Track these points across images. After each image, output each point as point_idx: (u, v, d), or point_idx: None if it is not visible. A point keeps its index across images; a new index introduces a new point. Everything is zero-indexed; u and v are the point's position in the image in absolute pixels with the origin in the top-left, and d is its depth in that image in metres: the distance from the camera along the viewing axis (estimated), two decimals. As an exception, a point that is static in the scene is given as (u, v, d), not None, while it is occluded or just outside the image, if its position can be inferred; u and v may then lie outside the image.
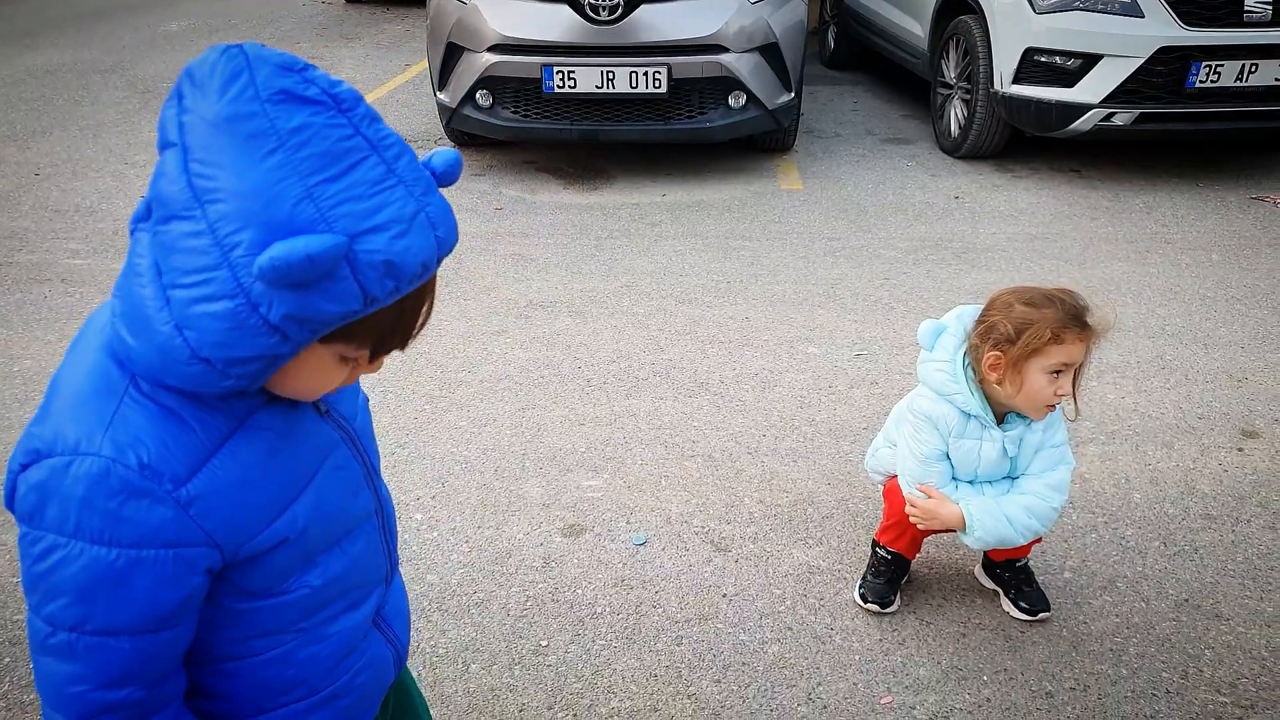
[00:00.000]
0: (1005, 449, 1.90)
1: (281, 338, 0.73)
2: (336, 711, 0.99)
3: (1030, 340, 1.76)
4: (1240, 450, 2.69)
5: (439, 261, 0.78)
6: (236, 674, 0.91)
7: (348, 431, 0.95)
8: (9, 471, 0.81)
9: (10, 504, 0.81)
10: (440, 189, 0.80)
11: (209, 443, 0.80)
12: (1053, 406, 1.83)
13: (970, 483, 1.97)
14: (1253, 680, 1.94)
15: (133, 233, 0.78)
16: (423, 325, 0.83)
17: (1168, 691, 1.92)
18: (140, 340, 0.76)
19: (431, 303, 0.82)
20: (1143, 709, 1.88)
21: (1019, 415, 1.89)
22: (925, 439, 1.92)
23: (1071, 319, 1.76)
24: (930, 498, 1.94)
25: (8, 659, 1.98)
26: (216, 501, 0.80)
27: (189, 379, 0.76)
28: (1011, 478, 1.97)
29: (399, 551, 1.14)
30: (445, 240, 0.77)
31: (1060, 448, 1.92)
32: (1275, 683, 1.94)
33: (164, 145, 0.74)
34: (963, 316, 1.90)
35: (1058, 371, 1.78)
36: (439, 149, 0.83)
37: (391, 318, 0.77)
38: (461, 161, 0.83)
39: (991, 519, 1.89)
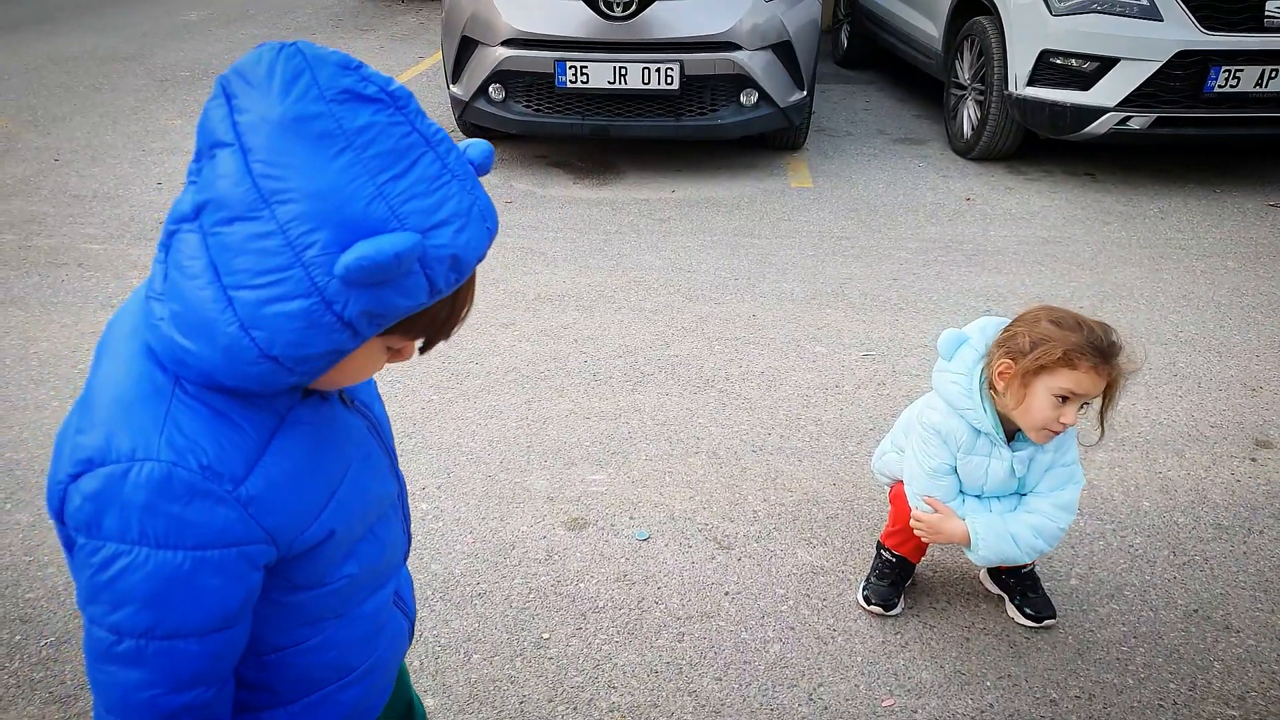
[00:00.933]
0: (1013, 468, 1.87)
1: (352, 334, 0.75)
2: (368, 687, 1.02)
3: (1041, 355, 1.72)
4: (1253, 460, 2.66)
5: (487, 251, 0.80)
6: (279, 664, 0.93)
7: (371, 420, 0.97)
8: (56, 483, 0.81)
9: (59, 515, 0.81)
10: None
11: (259, 441, 0.81)
12: (1053, 433, 1.78)
13: (978, 497, 1.94)
14: (1262, 694, 1.92)
15: (174, 234, 0.76)
16: (467, 315, 0.84)
17: (1175, 703, 1.89)
18: (200, 342, 0.75)
19: (473, 292, 0.84)
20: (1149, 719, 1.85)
21: None
22: (934, 452, 1.89)
23: (1092, 348, 1.70)
24: (936, 511, 1.92)
25: (19, 636, 1.98)
26: (272, 498, 0.81)
27: (252, 378, 0.77)
28: (1020, 494, 1.94)
29: None
30: (494, 232, 0.80)
31: (1071, 466, 1.89)
32: (1284, 695, 1.91)
33: (214, 145, 0.73)
34: (985, 330, 1.86)
35: (1065, 397, 1.73)
36: (473, 141, 0.82)
37: (446, 309, 0.80)
38: (494, 153, 0.83)
39: (996, 537, 1.86)
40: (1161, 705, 1.89)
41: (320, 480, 0.87)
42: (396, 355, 0.85)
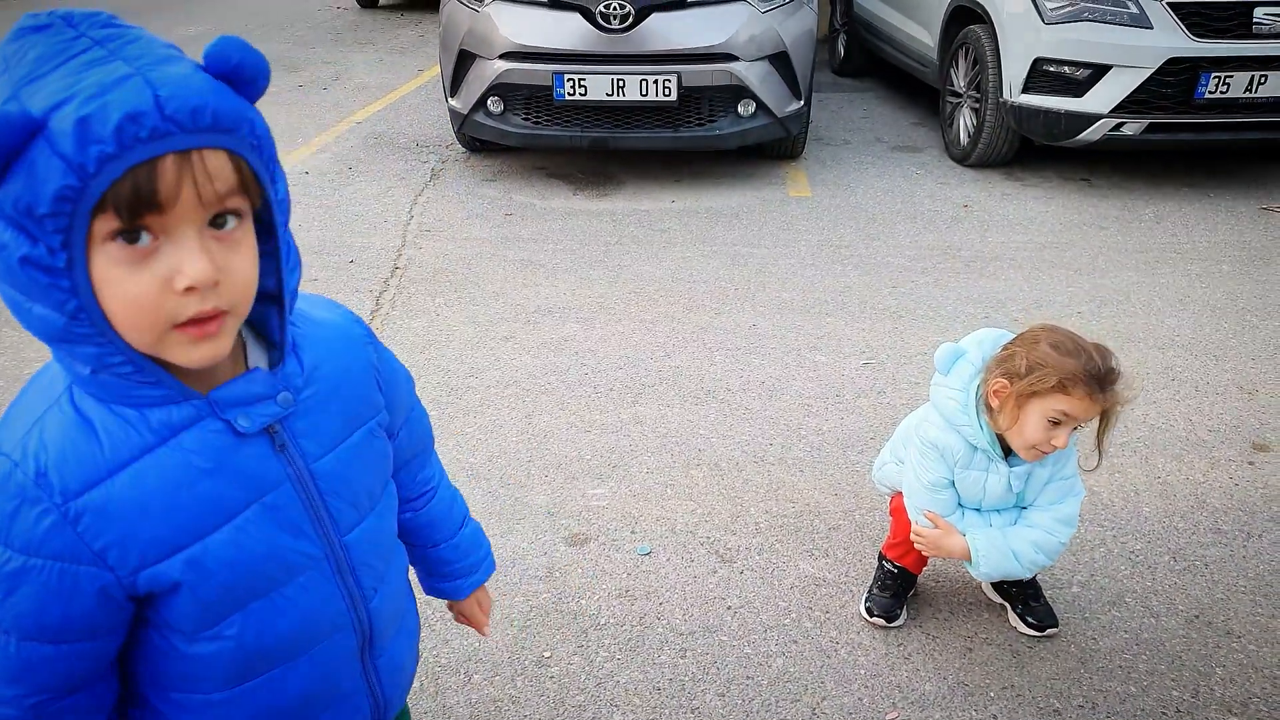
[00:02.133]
0: (1010, 484, 1.88)
1: (30, 238, 0.69)
2: None
3: (1035, 382, 1.73)
4: (1251, 464, 2.67)
5: (178, 123, 0.69)
6: (185, 706, 0.89)
7: (301, 471, 0.88)
8: None
9: None
10: (240, 87, 0.75)
11: (114, 460, 0.78)
12: (1044, 453, 1.79)
13: (977, 510, 1.95)
14: (1264, 700, 1.92)
15: None
16: (207, 199, 0.73)
17: (1178, 710, 1.90)
18: (30, 328, 0.75)
19: (206, 178, 0.72)
20: (1151, 727, 1.86)
21: None
22: (931, 466, 1.90)
23: (1089, 376, 1.70)
24: (936, 527, 1.92)
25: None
26: (108, 522, 0.77)
27: (62, 343, 0.74)
28: (1020, 507, 1.95)
29: (403, 605, 1.09)
30: (171, 99, 0.69)
31: (1070, 479, 1.90)
32: (1286, 701, 1.92)
33: None
34: (983, 344, 1.87)
35: (1057, 421, 1.75)
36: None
37: (128, 188, 0.69)
38: (245, 48, 0.75)
39: (997, 554, 1.87)
40: (1164, 713, 1.89)
41: (183, 517, 0.80)
42: (166, 274, 0.73)
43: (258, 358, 0.87)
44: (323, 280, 3.77)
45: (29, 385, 0.83)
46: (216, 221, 0.75)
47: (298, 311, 0.91)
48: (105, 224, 0.70)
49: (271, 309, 0.86)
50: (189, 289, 0.73)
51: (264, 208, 0.79)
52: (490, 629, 1.30)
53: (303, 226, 4.27)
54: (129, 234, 0.71)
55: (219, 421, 0.82)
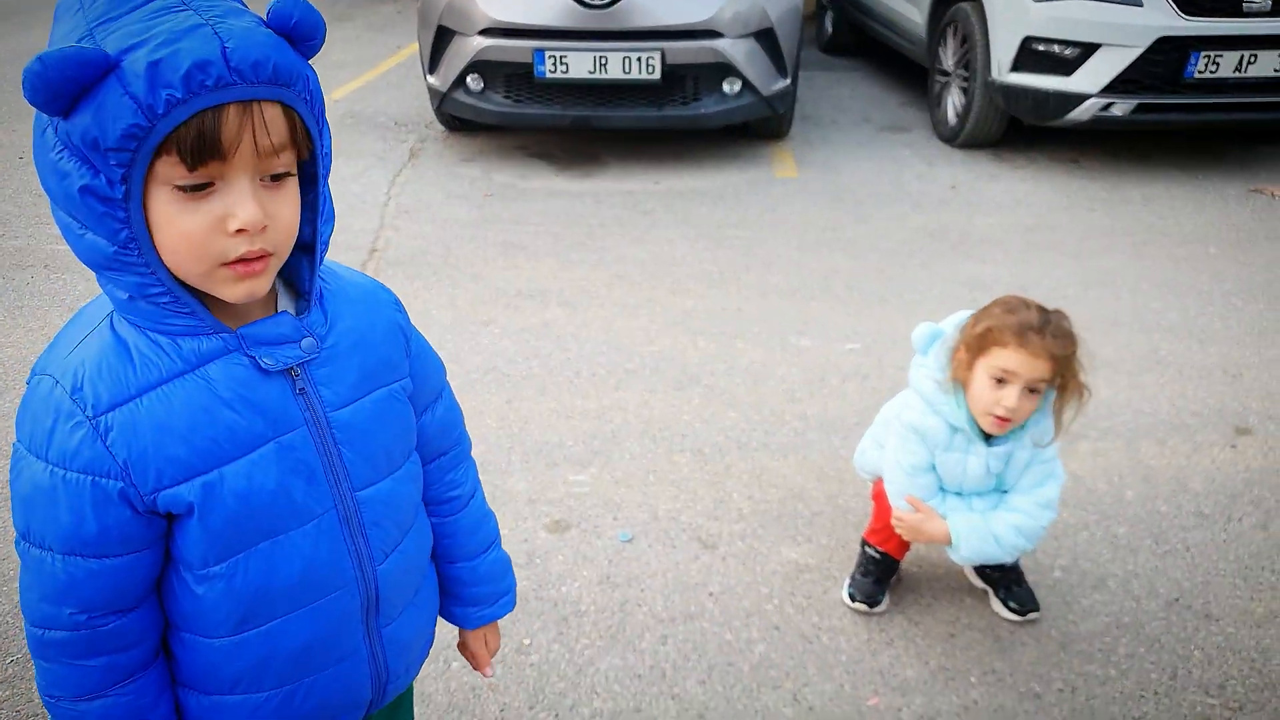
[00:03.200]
0: (989, 465, 1.87)
1: (92, 169, 0.74)
2: (291, 714, 0.98)
3: (978, 338, 1.75)
4: (1234, 447, 2.67)
5: (240, 74, 0.74)
6: (193, 648, 0.93)
7: (319, 417, 0.90)
8: None
9: None
10: (299, 44, 0.80)
11: (144, 380, 0.83)
12: (1001, 421, 1.77)
13: (958, 494, 1.94)
14: (1241, 682, 1.93)
15: None
16: (268, 153, 0.78)
17: (1156, 693, 1.90)
18: (79, 253, 0.81)
19: (264, 130, 0.77)
20: (1131, 710, 1.86)
21: (1011, 431, 1.85)
22: (911, 449, 1.88)
23: (1027, 328, 1.71)
24: (917, 511, 1.91)
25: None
26: (134, 437, 0.82)
27: (110, 271, 0.80)
28: (1001, 490, 1.94)
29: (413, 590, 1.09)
30: (236, 51, 0.74)
31: (1050, 463, 1.89)
32: (1265, 684, 1.92)
33: None
34: (961, 324, 1.86)
35: (1001, 379, 1.74)
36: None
37: (194, 132, 0.74)
38: (305, 5, 0.80)
39: (978, 538, 1.86)
40: (1143, 695, 1.89)
41: (201, 442, 0.84)
42: (213, 206, 0.78)
43: (285, 304, 0.91)
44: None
45: (76, 316, 0.89)
46: (273, 175, 0.80)
47: (328, 269, 0.96)
48: (168, 166, 0.75)
49: (303, 258, 0.90)
50: (239, 231, 0.78)
51: (309, 160, 0.84)
52: (493, 671, 1.26)
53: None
54: (192, 184, 0.77)
55: (245, 357, 0.86)
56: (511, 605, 1.22)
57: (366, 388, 0.95)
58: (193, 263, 0.80)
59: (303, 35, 0.79)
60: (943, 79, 5.26)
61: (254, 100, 0.76)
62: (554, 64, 4.42)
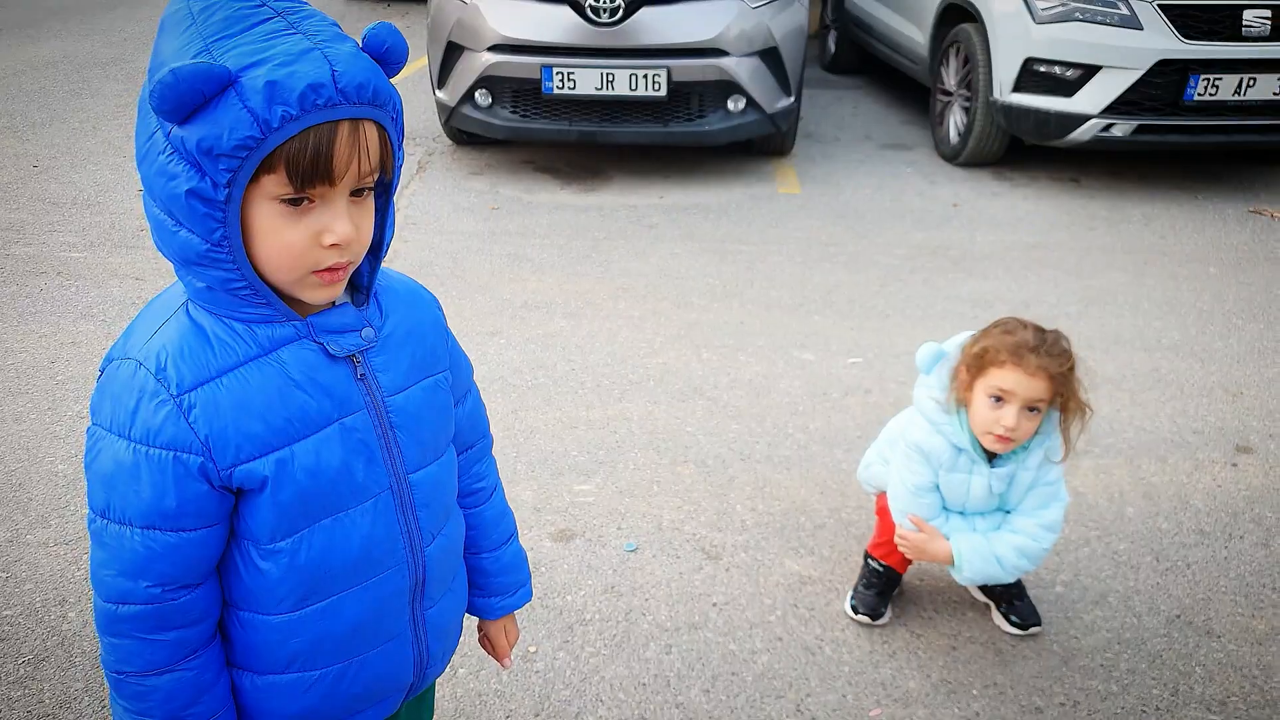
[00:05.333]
0: (992, 486, 1.88)
1: (200, 173, 0.80)
2: (340, 695, 1.02)
3: (976, 358, 1.78)
4: (1234, 465, 2.69)
5: (346, 96, 0.81)
6: (251, 626, 0.97)
7: (377, 401, 0.97)
8: None
9: None
10: (386, 67, 0.87)
11: (223, 362, 0.88)
12: (1002, 440, 1.79)
13: (961, 514, 1.96)
14: (1243, 699, 1.94)
15: None
16: (366, 173, 0.86)
17: (1158, 709, 1.91)
18: (163, 245, 0.87)
19: (366, 151, 0.85)
20: (1132, 726, 1.87)
21: (1013, 452, 1.87)
22: (916, 470, 1.90)
23: (1024, 348, 1.73)
24: (921, 530, 1.93)
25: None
26: (215, 415, 0.88)
27: (200, 267, 0.85)
28: (1004, 510, 1.96)
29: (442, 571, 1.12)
30: (344, 75, 0.81)
31: (1054, 485, 1.90)
32: (1266, 701, 1.93)
33: None
34: (963, 345, 1.88)
35: (999, 398, 1.76)
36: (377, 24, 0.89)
37: (305, 149, 0.81)
38: (395, 33, 0.88)
39: (980, 559, 1.88)
40: (1144, 711, 1.90)
41: (277, 420, 0.90)
42: (312, 221, 0.84)
43: (343, 298, 0.97)
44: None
45: (149, 305, 0.94)
46: (356, 191, 0.87)
47: (380, 269, 1.02)
48: (274, 183, 0.82)
49: (366, 258, 0.96)
50: (333, 245, 0.86)
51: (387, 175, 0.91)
52: (511, 662, 1.32)
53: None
54: (295, 199, 0.83)
55: (314, 344, 0.92)
56: (529, 596, 1.28)
57: (417, 376, 1.01)
58: (287, 270, 0.87)
59: (392, 60, 0.87)
60: (945, 98, 5.30)
61: (360, 119, 0.83)
62: (561, 80, 4.47)
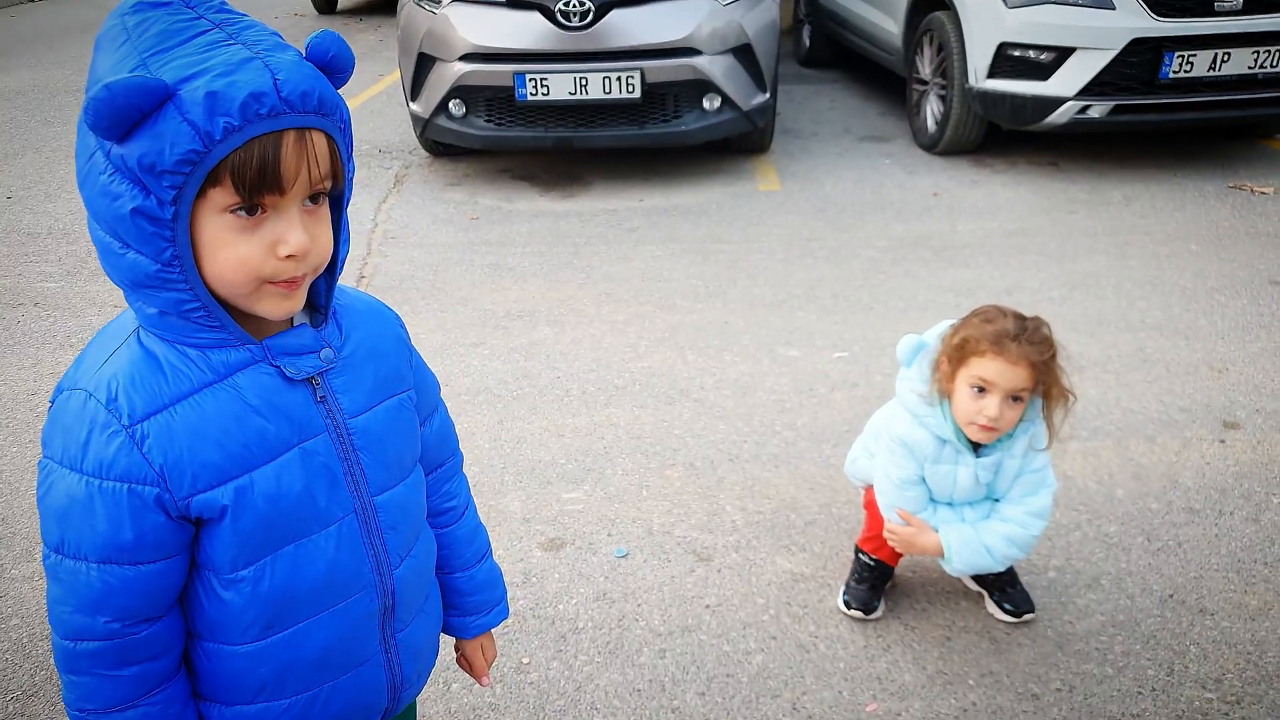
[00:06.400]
0: (978, 476, 1.87)
1: (144, 191, 0.78)
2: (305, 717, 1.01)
3: (957, 349, 1.77)
4: (1222, 442, 2.69)
5: (290, 104, 0.79)
6: (216, 657, 0.95)
7: (338, 424, 0.95)
8: None
9: None
10: (332, 76, 0.85)
11: (176, 390, 0.86)
12: (986, 429, 1.77)
13: (949, 504, 1.95)
14: (1238, 675, 1.94)
15: None
16: (317, 181, 0.84)
17: (1154, 689, 1.91)
18: (115, 271, 0.84)
19: (315, 159, 0.83)
20: (1129, 708, 1.86)
21: (998, 441, 1.86)
22: (900, 463, 1.89)
23: (1005, 337, 1.72)
24: (909, 524, 1.92)
25: None
26: (169, 444, 0.86)
27: (149, 289, 0.83)
28: (993, 499, 1.95)
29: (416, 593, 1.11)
30: (286, 83, 0.79)
31: (1041, 471, 1.89)
32: (1261, 677, 1.93)
33: None
34: (944, 335, 1.88)
35: (981, 389, 1.75)
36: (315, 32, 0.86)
37: (251, 160, 0.79)
38: (339, 41, 0.86)
39: (970, 550, 1.87)
40: (1140, 692, 1.90)
41: (233, 447, 0.88)
42: (264, 233, 0.82)
43: (300, 318, 0.96)
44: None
45: (99, 334, 0.92)
46: (310, 198, 0.85)
47: (337, 287, 0.99)
48: (221, 196, 0.80)
49: (321, 276, 0.94)
50: (289, 256, 0.83)
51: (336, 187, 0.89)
52: (490, 680, 1.31)
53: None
54: (247, 208, 0.81)
55: (270, 367, 0.90)
56: (505, 613, 1.26)
57: (380, 396, 1.00)
58: (241, 284, 0.84)
59: (337, 68, 0.85)
60: (921, 88, 5.31)
61: (307, 129, 0.81)
62: (535, 86, 4.46)
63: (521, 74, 4.44)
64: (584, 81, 4.43)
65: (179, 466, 0.86)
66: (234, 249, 0.82)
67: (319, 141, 0.82)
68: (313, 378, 0.93)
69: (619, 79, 4.42)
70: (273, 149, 0.79)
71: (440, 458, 1.17)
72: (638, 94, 4.45)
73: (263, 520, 0.90)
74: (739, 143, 5.14)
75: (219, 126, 0.76)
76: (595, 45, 4.40)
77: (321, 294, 0.96)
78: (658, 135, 4.63)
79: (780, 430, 2.78)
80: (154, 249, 0.80)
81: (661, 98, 4.55)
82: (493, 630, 1.26)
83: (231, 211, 0.80)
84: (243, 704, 0.98)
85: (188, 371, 0.87)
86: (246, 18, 0.84)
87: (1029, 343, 1.73)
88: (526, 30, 4.41)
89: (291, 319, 0.95)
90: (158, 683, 0.92)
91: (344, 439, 0.95)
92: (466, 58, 4.49)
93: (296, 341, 0.92)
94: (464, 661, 1.27)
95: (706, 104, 4.59)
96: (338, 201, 0.91)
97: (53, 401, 0.90)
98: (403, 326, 1.08)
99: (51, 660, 2.01)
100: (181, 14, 0.80)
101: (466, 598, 1.21)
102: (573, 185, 4.91)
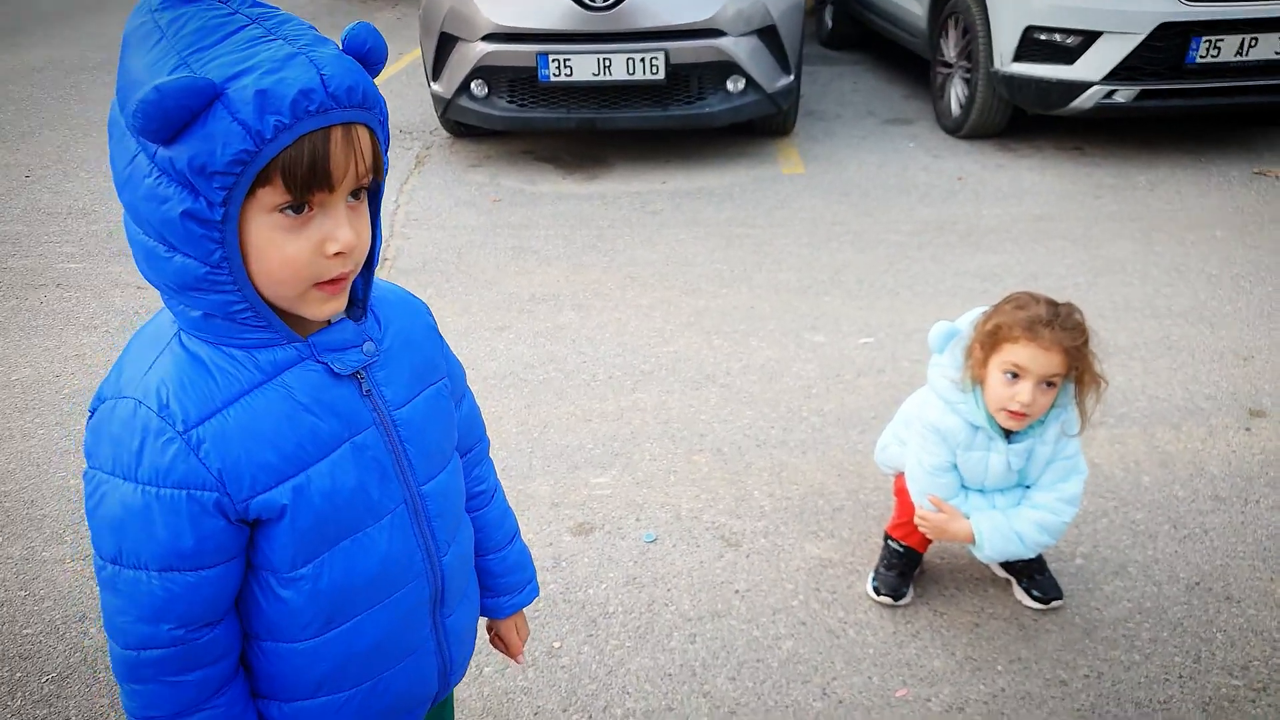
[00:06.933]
0: (1010, 463, 1.89)
1: (193, 194, 0.76)
2: (369, 713, 1.03)
3: (990, 335, 1.78)
4: (1248, 430, 2.69)
5: (337, 100, 0.78)
6: (275, 656, 0.96)
7: (385, 417, 0.95)
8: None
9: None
10: (368, 68, 0.84)
11: (227, 392, 0.86)
12: (1017, 415, 1.78)
13: (980, 491, 1.96)
14: (1264, 662, 1.95)
15: None
16: (362, 176, 0.83)
17: (1180, 676, 1.92)
18: (159, 275, 0.84)
19: (361, 154, 0.82)
20: (1156, 694, 1.88)
21: (1031, 427, 1.87)
22: (933, 450, 1.91)
23: (1038, 323, 1.73)
24: (941, 510, 1.93)
25: (19, 673, 1.99)
26: (226, 447, 0.85)
27: (198, 294, 0.82)
28: (1024, 485, 1.96)
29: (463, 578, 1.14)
30: (333, 78, 0.78)
31: (1072, 458, 1.91)
32: (1288, 666, 1.94)
33: None
34: (975, 322, 1.88)
35: (1014, 374, 1.76)
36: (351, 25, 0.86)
37: (301, 157, 0.78)
38: (374, 33, 0.85)
39: (1001, 537, 1.88)
40: (1168, 679, 1.92)
41: (288, 446, 0.88)
42: (314, 230, 0.82)
43: (339, 313, 0.94)
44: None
45: (135, 339, 0.91)
46: (353, 193, 0.84)
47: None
48: (271, 195, 0.79)
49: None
50: (337, 254, 0.83)
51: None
52: (525, 659, 1.34)
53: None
54: (295, 206, 0.80)
55: (318, 364, 0.90)
56: (536, 592, 1.28)
57: (418, 386, 1.00)
58: (290, 285, 0.84)
59: (374, 60, 0.85)
60: (945, 70, 5.27)
61: (353, 124, 0.80)
62: (558, 67, 4.45)
63: (544, 54, 4.43)
64: (608, 62, 4.41)
65: (237, 469, 0.85)
66: (282, 249, 0.81)
67: (363, 136, 0.82)
68: (358, 371, 0.93)
69: (643, 60, 4.40)
70: (322, 145, 0.78)
71: (469, 442, 1.18)
72: (662, 75, 4.43)
73: (320, 517, 0.91)
74: (762, 125, 5.12)
75: (270, 125, 0.75)
76: (619, 26, 4.38)
77: (359, 287, 0.95)
78: (681, 117, 4.61)
79: (807, 416, 2.79)
80: (203, 251, 0.79)
81: (685, 79, 4.53)
82: (524, 610, 1.29)
83: (280, 210, 0.80)
84: (303, 699, 0.99)
85: (236, 373, 0.86)
86: (280, 11, 0.82)
87: (1062, 328, 1.74)
88: (550, 10, 4.39)
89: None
90: (219, 686, 0.93)
91: (391, 431, 0.96)
92: (489, 38, 4.48)
93: (340, 337, 0.92)
94: (498, 641, 1.30)
95: (730, 86, 4.57)
96: (374, 195, 0.91)
97: (93, 411, 0.88)
98: (430, 315, 1.08)
99: (86, 643, 2.05)
100: (216, 9, 0.78)
101: (499, 579, 1.23)
102: (595, 167, 4.91)
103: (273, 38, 0.78)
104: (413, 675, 1.06)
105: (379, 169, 0.86)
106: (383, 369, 0.96)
